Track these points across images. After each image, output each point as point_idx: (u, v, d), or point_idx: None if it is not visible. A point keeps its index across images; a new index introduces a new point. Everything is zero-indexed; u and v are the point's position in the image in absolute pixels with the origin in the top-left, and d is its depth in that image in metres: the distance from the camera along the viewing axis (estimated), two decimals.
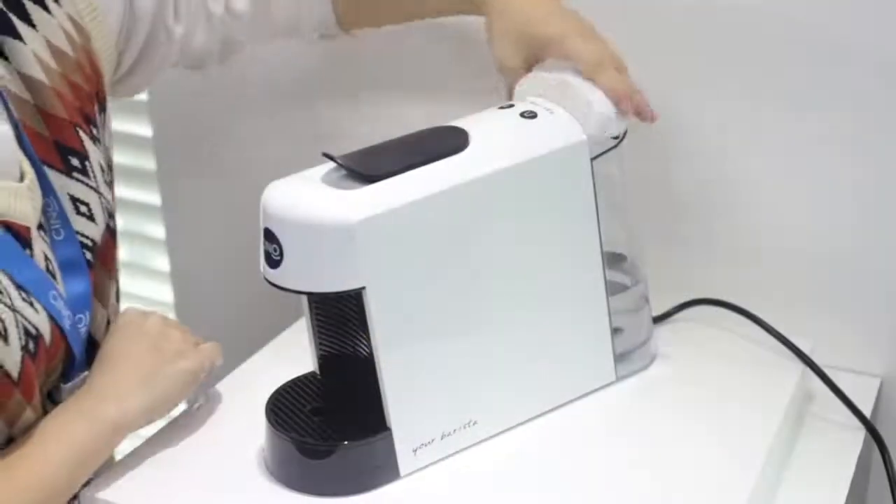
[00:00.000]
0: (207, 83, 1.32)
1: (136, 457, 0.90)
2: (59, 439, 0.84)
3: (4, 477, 0.82)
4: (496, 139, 0.88)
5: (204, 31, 1.06)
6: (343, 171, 0.85)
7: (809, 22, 0.98)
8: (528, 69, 0.96)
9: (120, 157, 1.56)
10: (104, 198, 0.93)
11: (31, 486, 0.82)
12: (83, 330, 0.90)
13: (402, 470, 0.87)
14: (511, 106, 0.92)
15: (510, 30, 0.96)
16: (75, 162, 0.90)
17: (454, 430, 0.89)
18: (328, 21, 1.09)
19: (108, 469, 0.89)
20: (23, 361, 0.82)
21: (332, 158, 0.84)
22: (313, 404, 0.90)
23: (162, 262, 1.55)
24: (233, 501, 0.86)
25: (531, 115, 0.91)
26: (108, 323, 0.95)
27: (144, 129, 1.48)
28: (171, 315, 1.57)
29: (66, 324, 0.87)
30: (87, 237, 0.91)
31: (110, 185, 0.96)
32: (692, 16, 1.02)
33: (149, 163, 1.49)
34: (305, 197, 0.83)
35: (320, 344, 0.92)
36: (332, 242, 0.81)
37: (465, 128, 0.88)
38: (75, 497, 0.86)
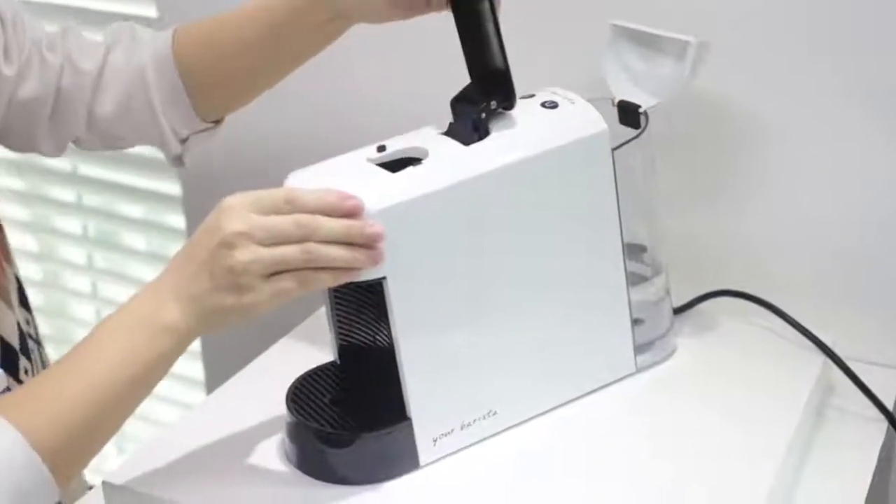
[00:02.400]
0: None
1: (157, 445, 0.91)
2: (117, 348, 0.78)
3: (56, 388, 0.78)
4: (517, 129, 0.88)
5: (36, 78, 0.99)
6: (364, 160, 0.85)
7: (842, 11, 0.98)
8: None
9: (140, 148, 1.58)
10: None
11: (85, 400, 0.77)
12: None
13: (422, 459, 0.87)
14: (532, 96, 0.92)
15: None
16: None
17: (474, 420, 0.89)
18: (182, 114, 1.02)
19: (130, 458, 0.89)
20: None
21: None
22: (333, 394, 0.90)
23: None
24: (253, 490, 0.86)
25: (552, 105, 0.90)
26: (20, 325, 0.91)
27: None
28: None
29: None
30: None
31: None
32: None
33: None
34: (326, 186, 0.83)
35: (340, 333, 0.92)
36: None
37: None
38: (90, 487, 0.85)
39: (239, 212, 0.78)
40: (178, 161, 1.08)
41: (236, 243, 0.77)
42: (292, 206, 0.78)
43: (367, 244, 0.79)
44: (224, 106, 1.05)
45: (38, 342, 1.03)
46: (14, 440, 0.74)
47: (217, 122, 1.06)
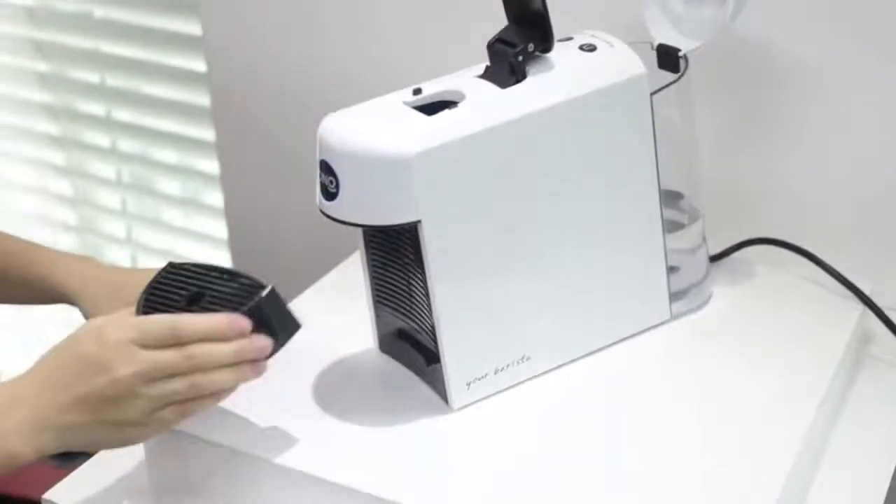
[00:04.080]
0: (263, 15, 1.31)
1: None
2: None
3: None
4: (554, 72, 0.87)
5: None
6: (400, 103, 0.84)
7: None
8: None
9: (175, 93, 1.58)
10: None
11: None
12: None
13: (455, 403, 0.87)
14: (570, 39, 0.91)
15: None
16: None
17: (507, 365, 0.89)
18: None
19: None
20: None
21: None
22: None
23: (216, 198, 1.56)
24: (284, 428, 0.86)
25: (590, 48, 0.89)
26: None
27: (199, 65, 1.48)
28: (225, 254, 1.58)
29: None
30: None
31: None
32: None
33: (203, 99, 1.50)
34: (363, 129, 0.82)
35: (374, 277, 0.92)
36: (388, 175, 0.81)
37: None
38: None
39: (125, 348, 0.75)
40: None
41: (126, 385, 0.75)
42: (178, 337, 0.76)
43: (257, 357, 0.78)
44: None
45: None
46: None
47: None
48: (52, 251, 1.02)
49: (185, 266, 0.84)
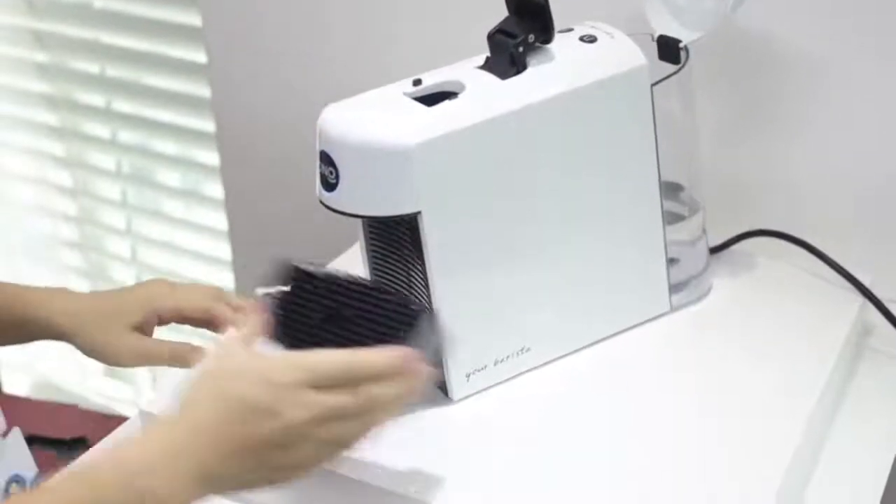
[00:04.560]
0: (263, 6, 1.31)
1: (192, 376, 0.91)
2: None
3: None
4: (554, 63, 0.87)
5: None
6: (401, 94, 0.84)
7: None
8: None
9: (175, 84, 1.58)
10: None
11: None
12: None
13: (455, 395, 0.87)
14: (570, 30, 0.91)
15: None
16: None
17: (507, 357, 0.89)
18: None
19: None
20: None
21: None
22: None
23: (216, 189, 1.56)
24: None
25: (591, 39, 0.89)
26: None
27: (199, 56, 1.48)
28: (225, 245, 1.58)
29: None
30: None
31: None
32: None
33: (203, 90, 1.49)
34: (362, 120, 0.82)
35: (374, 269, 0.92)
36: (388, 166, 0.81)
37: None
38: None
39: (297, 392, 0.68)
40: None
41: (299, 431, 0.69)
42: (353, 378, 0.70)
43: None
44: None
45: None
46: None
47: None
48: (27, 290, 0.96)
49: (309, 273, 0.76)
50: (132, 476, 0.66)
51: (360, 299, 0.75)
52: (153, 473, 0.66)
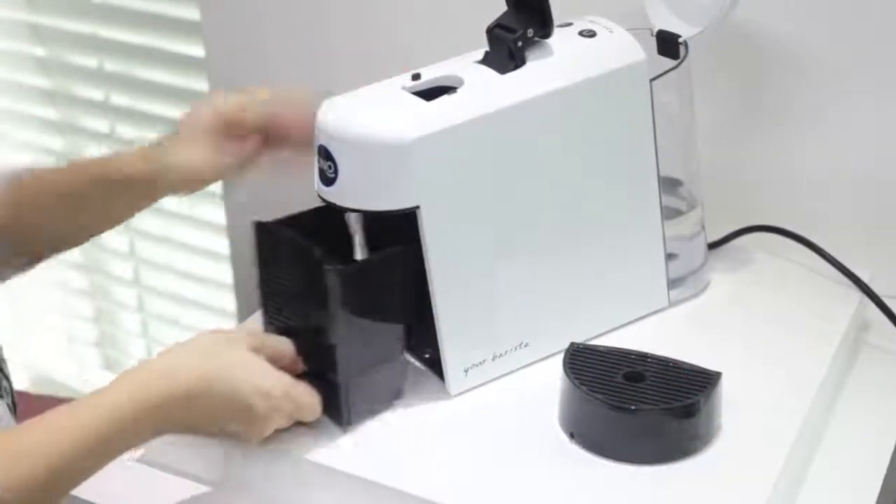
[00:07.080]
0: (262, 1, 1.31)
1: None
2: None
3: (68, 414, 0.76)
4: (553, 58, 0.87)
5: None
6: (399, 89, 0.84)
7: None
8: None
9: (173, 79, 1.58)
10: None
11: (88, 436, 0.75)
12: None
13: (453, 390, 0.87)
14: (569, 24, 0.90)
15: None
16: None
17: (506, 352, 0.89)
18: None
19: None
20: None
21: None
22: None
23: (215, 184, 1.56)
24: None
25: (590, 34, 0.89)
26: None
27: (197, 51, 1.48)
28: (224, 240, 1.58)
29: None
30: None
31: None
32: None
33: (201, 84, 1.49)
34: (361, 114, 0.82)
35: None
36: (387, 160, 0.81)
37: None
38: None
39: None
40: None
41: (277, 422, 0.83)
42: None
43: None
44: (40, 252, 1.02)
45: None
46: None
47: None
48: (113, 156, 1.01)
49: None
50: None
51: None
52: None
